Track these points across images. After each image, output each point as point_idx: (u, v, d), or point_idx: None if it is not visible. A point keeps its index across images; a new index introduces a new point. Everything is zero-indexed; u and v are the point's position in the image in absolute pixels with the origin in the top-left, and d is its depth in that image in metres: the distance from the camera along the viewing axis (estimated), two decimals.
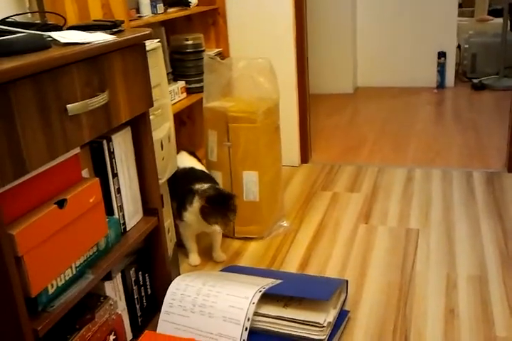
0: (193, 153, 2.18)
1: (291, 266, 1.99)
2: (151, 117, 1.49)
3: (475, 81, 4.58)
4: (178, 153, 2.08)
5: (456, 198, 2.48)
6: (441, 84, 4.58)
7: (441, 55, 4.48)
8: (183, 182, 1.97)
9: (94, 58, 1.19)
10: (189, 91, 2.52)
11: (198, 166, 2.09)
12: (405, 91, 4.56)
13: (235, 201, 1.89)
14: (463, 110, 3.95)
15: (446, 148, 3.16)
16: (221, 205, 1.85)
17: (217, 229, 1.86)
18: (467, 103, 4.13)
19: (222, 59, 2.24)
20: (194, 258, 2.03)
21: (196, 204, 1.88)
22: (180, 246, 2.02)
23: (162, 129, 1.70)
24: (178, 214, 1.94)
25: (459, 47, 4.77)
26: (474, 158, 2.97)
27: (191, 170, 2.04)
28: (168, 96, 1.75)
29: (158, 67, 1.66)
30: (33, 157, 1.03)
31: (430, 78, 4.62)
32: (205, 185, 1.92)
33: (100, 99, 1.19)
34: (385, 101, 4.30)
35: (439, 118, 3.81)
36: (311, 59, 3.01)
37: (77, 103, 1.13)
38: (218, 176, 2.17)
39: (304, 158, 3.03)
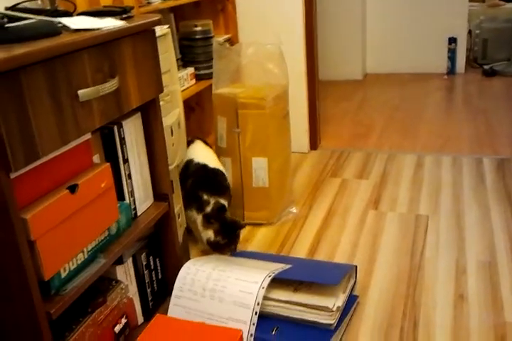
0: (206, 142, 2.18)
1: (301, 252, 2.00)
2: (160, 103, 1.50)
3: (486, 67, 4.55)
4: (192, 141, 2.08)
5: (465, 184, 2.47)
6: (451, 71, 4.55)
7: (452, 40, 4.44)
8: (192, 181, 1.97)
9: (104, 44, 1.19)
10: (198, 77, 2.52)
11: (212, 163, 2.05)
12: (415, 77, 4.53)
13: (242, 229, 1.91)
14: (473, 96, 3.92)
15: (456, 134, 3.15)
16: (229, 237, 1.87)
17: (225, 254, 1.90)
18: (478, 89, 4.10)
19: (231, 45, 2.24)
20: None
21: (203, 232, 1.90)
22: (190, 231, 2.04)
23: (172, 115, 1.71)
24: (185, 208, 1.95)
25: (469, 32, 4.73)
26: (484, 145, 2.96)
27: (204, 169, 2.01)
28: (177, 82, 1.75)
29: (167, 53, 1.66)
30: (45, 142, 1.03)
31: (440, 64, 4.58)
32: (212, 201, 1.91)
33: (111, 85, 1.20)
34: (395, 88, 4.28)
35: (449, 104, 3.79)
36: (320, 45, 3.00)
37: (88, 89, 1.13)
38: (228, 162, 2.18)
39: (313, 144, 3.03)
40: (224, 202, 1.95)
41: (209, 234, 1.88)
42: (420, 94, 4.07)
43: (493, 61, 4.63)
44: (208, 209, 1.90)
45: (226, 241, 1.86)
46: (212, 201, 1.92)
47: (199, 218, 1.91)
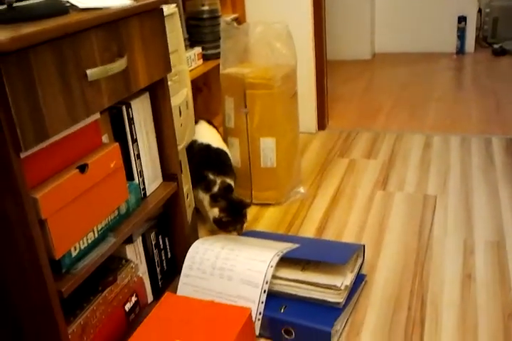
0: (211, 122, 2.18)
1: (308, 232, 2.01)
2: (168, 83, 1.50)
3: (495, 46, 4.49)
4: (197, 122, 2.08)
5: (474, 164, 2.47)
6: (460, 50, 4.50)
7: (462, 19, 4.38)
8: (197, 161, 1.98)
9: (112, 23, 1.19)
10: (205, 57, 2.51)
11: (216, 142, 2.06)
12: (424, 56, 4.49)
13: (248, 208, 1.94)
14: (482, 76, 3.89)
15: (465, 114, 3.13)
16: (236, 215, 1.90)
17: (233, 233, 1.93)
18: (487, 69, 4.06)
19: (238, 24, 2.22)
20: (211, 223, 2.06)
21: (210, 211, 1.92)
22: (199, 211, 2.05)
23: (180, 95, 1.71)
24: (192, 188, 1.96)
25: (479, 11, 4.66)
26: (493, 124, 2.94)
27: (207, 149, 2.02)
28: (185, 62, 1.74)
29: (175, 32, 1.65)
30: (54, 122, 1.04)
31: (450, 43, 4.53)
32: (218, 180, 1.93)
33: (119, 65, 1.19)
34: (403, 67, 4.24)
35: (458, 84, 3.76)
36: (328, 25, 2.97)
37: (96, 68, 1.13)
38: (236, 143, 2.17)
39: (321, 124, 3.02)
40: (230, 181, 1.97)
41: (215, 212, 1.90)
42: (429, 73, 4.04)
43: (503, 40, 4.57)
44: (215, 189, 1.92)
45: (231, 219, 1.89)
46: (218, 181, 1.94)
47: (206, 197, 1.92)
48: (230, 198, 1.92)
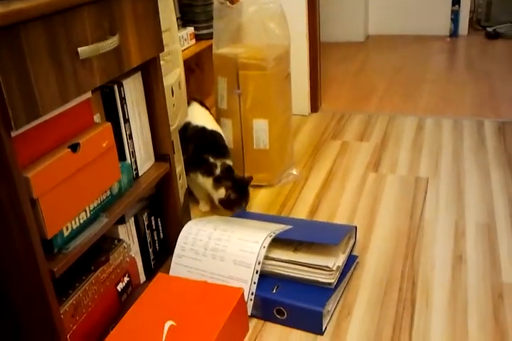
0: (203, 104, 2.16)
1: (301, 213, 2.01)
2: (161, 63, 1.48)
3: (489, 29, 4.48)
4: (189, 103, 2.06)
5: (466, 147, 2.47)
6: (454, 33, 4.48)
7: (455, 2, 4.36)
8: (194, 145, 1.97)
9: (104, 0, 1.17)
10: (198, 37, 2.48)
11: (210, 124, 2.05)
12: (417, 39, 4.47)
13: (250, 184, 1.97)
14: (476, 59, 3.88)
15: (458, 97, 3.13)
16: (242, 193, 1.93)
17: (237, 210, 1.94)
18: (480, 52, 4.06)
19: (232, 4, 2.20)
20: (204, 204, 2.06)
21: (215, 193, 1.94)
22: (191, 193, 2.04)
23: (172, 75, 1.69)
24: (186, 172, 1.95)
25: None
26: (486, 108, 2.94)
27: (203, 131, 2.00)
28: (177, 41, 1.72)
29: (167, 11, 1.63)
30: (46, 100, 1.02)
31: (443, 26, 4.51)
32: (218, 163, 1.94)
33: (111, 43, 1.18)
34: (397, 50, 4.22)
35: (451, 67, 3.75)
36: (321, 6, 2.94)
37: (88, 46, 1.11)
38: (228, 124, 2.16)
39: (314, 106, 3.01)
40: (229, 163, 1.99)
41: (221, 193, 1.92)
42: (422, 56, 4.02)
43: (497, 23, 4.56)
44: (217, 171, 1.94)
45: (237, 197, 1.92)
46: (219, 163, 1.94)
47: (209, 181, 1.94)
48: (233, 177, 1.95)
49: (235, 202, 1.93)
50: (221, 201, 1.93)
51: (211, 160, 1.95)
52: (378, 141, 2.60)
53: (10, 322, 1.16)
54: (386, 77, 3.58)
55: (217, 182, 1.92)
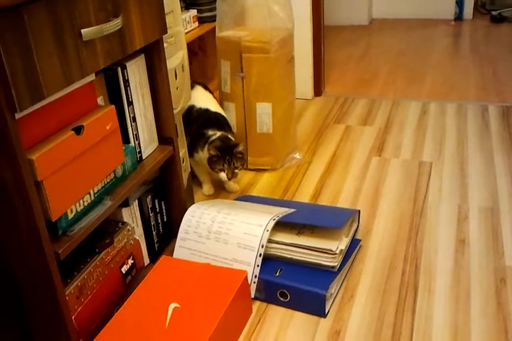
0: (206, 87, 2.16)
1: (304, 197, 2.01)
2: (164, 45, 1.47)
3: (494, 13, 4.43)
4: (192, 86, 2.06)
5: (470, 132, 2.46)
6: (459, 16, 4.44)
7: None
8: (197, 124, 1.97)
9: None
10: (201, 20, 2.46)
11: (213, 106, 2.06)
12: (422, 23, 4.44)
13: (241, 149, 1.90)
14: (480, 43, 3.85)
15: (462, 81, 3.11)
16: (226, 153, 1.87)
17: (223, 176, 1.89)
18: (485, 36, 4.02)
19: None
20: (207, 188, 2.06)
21: (206, 154, 1.90)
22: (194, 177, 2.05)
23: (176, 58, 1.68)
24: (189, 153, 1.95)
25: None
26: (490, 92, 2.92)
27: (206, 113, 2.02)
28: (181, 23, 1.71)
29: None
30: (50, 82, 1.02)
31: (448, 10, 4.47)
32: (218, 133, 1.94)
33: (114, 24, 1.17)
34: (401, 33, 4.19)
35: (455, 51, 3.72)
36: None
37: (91, 28, 1.11)
38: (232, 108, 2.16)
39: (317, 90, 2.99)
40: (231, 137, 1.97)
41: (206, 152, 1.90)
42: (427, 40, 3.99)
43: (502, 7, 4.51)
44: (214, 138, 1.93)
45: (220, 155, 1.86)
46: (218, 133, 1.94)
47: (205, 149, 1.91)
48: (224, 140, 1.92)
49: (218, 162, 1.87)
50: (208, 160, 1.89)
51: (210, 132, 1.94)
52: (382, 125, 2.59)
53: (15, 304, 1.17)
54: (390, 61, 3.56)
55: (209, 146, 1.89)
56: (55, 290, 1.12)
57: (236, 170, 1.90)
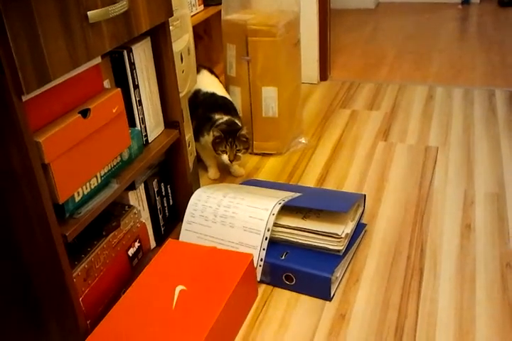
0: (212, 71, 2.15)
1: (309, 182, 2.01)
2: (170, 28, 1.46)
3: None
4: (198, 70, 2.05)
5: (477, 117, 2.45)
6: (466, 0, 4.40)
7: None
8: (203, 108, 1.97)
9: None
10: (206, 3, 2.44)
11: (219, 91, 2.05)
12: (429, 6, 4.40)
13: (245, 133, 1.89)
14: (488, 27, 3.81)
15: (469, 66, 3.09)
16: (229, 135, 1.86)
17: (225, 159, 1.88)
18: (493, 20, 3.98)
19: None
20: (213, 172, 2.06)
21: (212, 137, 1.90)
22: (200, 161, 2.05)
23: (182, 41, 1.67)
24: (195, 137, 1.94)
25: None
26: (497, 77, 2.90)
27: (213, 97, 2.01)
28: (186, 6, 1.70)
29: None
30: (56, 65, 1.02)
31: None
32: (224, 118, 1.94)
33: (120, 6, 1.16)
34: (407, 17, 4.16)
35: (462, 35, 3.69)
36: None
37: (97, 10, 1.10)
38: (237, 92, 2.15)
39: (323, 75, 2.98)
40: (238, 122, 1.97)
41: (214, 132, 1.89)
42: (433, 24, 3.96)
43: None
44: (220, 121, 1.93)
45: (223, 137, 1.86)
46: (225, 118, 1.94)
47: (211, 132, 1.91)
48: (229, 123, 1.92)
49: (220, 143, 1.87)
50: (212, 143, 1.89)
51: (217, 116, 1.94)
52: (388, 109, 2.58)
53: (24, 286, 1.18)
54: (396, 45, 3.53)
55: (214, 129, 1.89)
56: (63, 272, 1.13)
57: (239, 154, 1.90)
